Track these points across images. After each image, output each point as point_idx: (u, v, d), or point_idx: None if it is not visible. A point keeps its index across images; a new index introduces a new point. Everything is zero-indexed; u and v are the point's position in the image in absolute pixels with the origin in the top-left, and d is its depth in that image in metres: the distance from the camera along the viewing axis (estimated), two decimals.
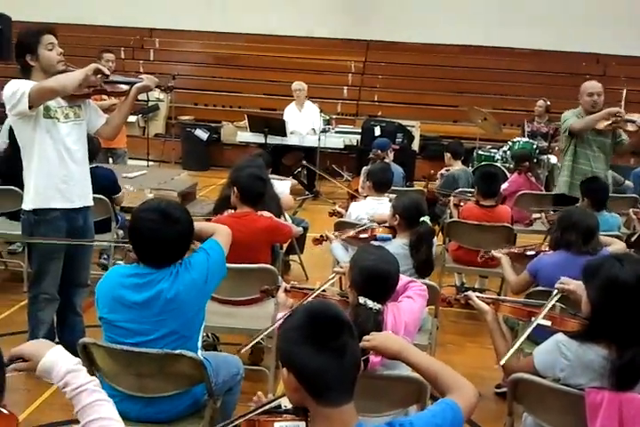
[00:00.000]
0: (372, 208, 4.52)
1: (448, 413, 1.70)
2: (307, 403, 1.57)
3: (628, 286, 2.25)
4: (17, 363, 1.76)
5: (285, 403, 1.71)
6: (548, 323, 2.61)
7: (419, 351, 2.08)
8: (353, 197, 5.49)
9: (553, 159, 7.65)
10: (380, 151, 6.22)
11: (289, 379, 1.56)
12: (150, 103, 10.00)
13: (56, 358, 1.79)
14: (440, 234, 5.44)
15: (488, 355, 3.08)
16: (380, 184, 4.64)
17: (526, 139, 8.02)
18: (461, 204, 5.27)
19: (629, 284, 2.24)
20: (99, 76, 3.44)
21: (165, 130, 10.81)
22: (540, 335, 2.70)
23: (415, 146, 9.68)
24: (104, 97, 5.66)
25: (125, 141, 7.25)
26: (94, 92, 3.64)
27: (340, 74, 11.96)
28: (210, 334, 4.01)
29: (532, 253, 3.78)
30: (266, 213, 3.85)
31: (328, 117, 9.47)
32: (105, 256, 5.25)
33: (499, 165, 7.36)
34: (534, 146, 7.75)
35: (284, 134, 8.58)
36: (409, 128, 9.32)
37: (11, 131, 4.05)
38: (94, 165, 4.63)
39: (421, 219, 3.61)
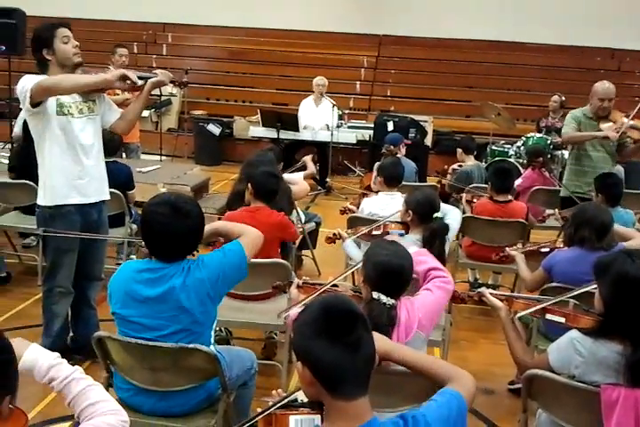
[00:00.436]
0: (386, 203, 4.51)
1: (453, 402, 1.71)
2: (322, 397, 1.57)
3: (639, 282, 2.24)
4: None
5: (301, 397, 1.71)
6: (562, 320, 2.60)
7: (409, 350, 2.08)
8: (364, 193, 5.47)
9: (567, 155, 7.59)
10: (392, 146, 6.20)
11: (304, 373, 1.57)
12: (163, 98, 10.04)
13: (35, 356, 1.80)
14: None
15: (501, 351, 3.05)
16: (391, 178, 4.62)
17: (540, 134, 7.96)
18: (474, 200, 5.25)
19: None
20: (127, 82, 3.43)
21: (178, 125, 10.81)
22: (553, 332, 2.69)
23: (428, 141, 9.61)
24: (118, 91, 5.68)
25: (138, 136, 7.29)
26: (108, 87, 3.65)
27: (352, 69, 11.91)
28: (223, 329, 4.02)
29: (547, 249, 3.75)
30: None
31: (340, 113, 9.45)
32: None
33: (512, 160, 7.32)
34: (548, 141, 7.69)
35: (296, 129, 8.55)
36: (422, 123, 9.25)
37: (25, 124, 4.06)
38: (112, 160, 4.64)
39: (435, 215, 3.59)
